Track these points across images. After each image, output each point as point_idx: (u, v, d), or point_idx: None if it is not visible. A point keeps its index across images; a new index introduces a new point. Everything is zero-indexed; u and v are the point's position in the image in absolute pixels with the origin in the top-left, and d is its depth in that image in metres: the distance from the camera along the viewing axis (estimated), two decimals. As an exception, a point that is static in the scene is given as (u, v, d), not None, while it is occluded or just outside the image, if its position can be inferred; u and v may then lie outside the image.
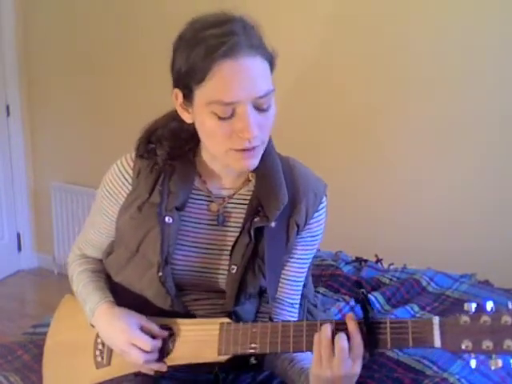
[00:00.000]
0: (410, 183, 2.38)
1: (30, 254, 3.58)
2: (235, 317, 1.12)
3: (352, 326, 0.96)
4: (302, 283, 1.22)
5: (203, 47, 0.98)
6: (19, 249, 3.53)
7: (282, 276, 1.18)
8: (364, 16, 2.34)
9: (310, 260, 1.21)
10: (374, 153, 2.43)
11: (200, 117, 1.03)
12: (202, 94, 1.00)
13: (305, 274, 1.21)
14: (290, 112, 2.53)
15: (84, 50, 3.11)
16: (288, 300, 1.19)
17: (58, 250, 3.38)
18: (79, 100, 3.20)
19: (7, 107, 3.31)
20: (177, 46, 1.04)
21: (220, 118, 0.99)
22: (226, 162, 1.06)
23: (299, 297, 1.22)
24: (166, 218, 1.09)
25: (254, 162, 1.05)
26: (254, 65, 0.99)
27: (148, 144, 1.13)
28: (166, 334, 1.11)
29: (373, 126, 2.41)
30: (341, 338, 0.95)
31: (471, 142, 2.23)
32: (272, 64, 1.04)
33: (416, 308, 1.70)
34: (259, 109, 1.00)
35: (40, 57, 3.29)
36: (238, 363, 1.12)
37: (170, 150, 1.12)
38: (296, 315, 1.21)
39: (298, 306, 1.21)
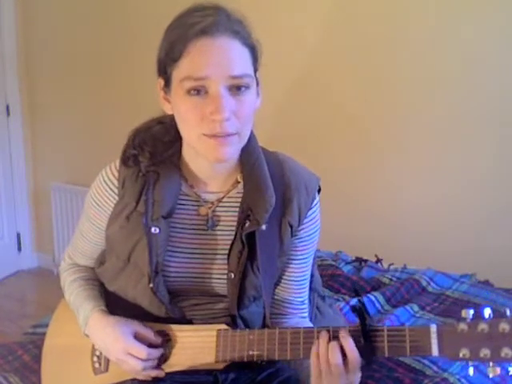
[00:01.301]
0: (410, 183, 2.38)
1: (30, 254, 3.58)
2: (241, 320, 1.11)
3: (346, 344, 0.94)
4: (309, 279, 1.21)
5: (182, 28, 0.98)
6: (19, 249, 3.54)
7: (288, 278, 1.17)
8: (362, 17, 2.34)
9: (312, 256, 1.20)
10: (374, 153, 2.43)
11: (175, 100, 1.01)
12: (176, 73, 0.98)
13: (310, 271, 1.21)
14: (290, 113, 2.54)
15: (84, 50, 3.11)
16: (298, 299, 1.19)
17: (58, 250, 3.38)
18: (79, 100, 3.20)
19: (7, 107, 3.32)
20: (163, 36, 1.03)
21: (191, 95, 0.97)
22: (200, 151, 1.02)
23: (307, 292, 1.21)
24: (153, 229, 1.06)
25: (227, 151, 1.00)
26: (231, 46, 0.96)
27: (131, 150, 1.11)
28: (159, 340, 1.10)
29: (373, 126, 2.41)
30: (335, 355, 0.93)
31: (471, 142, 2.23)
32: (255, 55, 1.02)
33: (416, 308, 1.70)
34: (234, 92, 0.97)
35: (40, 57, 3.29)
36: (242, 363, 1.10)
37: (151, 155, 1.09)
38: (307, 310, 1.21)
39: (307, 301, 1.21)
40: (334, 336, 0.96)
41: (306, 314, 1.21)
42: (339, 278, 1.89)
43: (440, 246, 2.30)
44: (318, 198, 1.15)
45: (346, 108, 2.46)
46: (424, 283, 1.87)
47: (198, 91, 0.97)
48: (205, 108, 0.96)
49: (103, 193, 1.14)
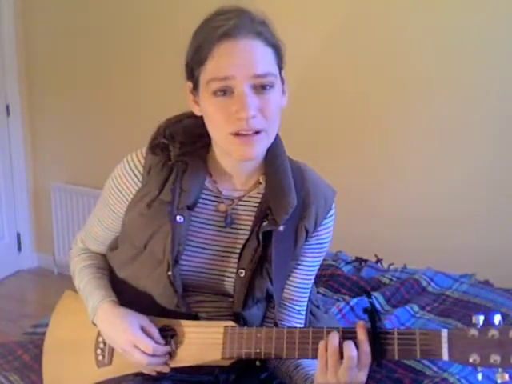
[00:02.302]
0: (410, 183, 2.38)
1: (30, 254, 3.58)
2: (242, 321, 1.11)
3: (361, 335, 0.95)
4: (309, 290, 1.21)
5: (207, 31, 1.01)
6: (19, 249, 3.53)
7: (290, 283, 1.17)
8: (364, 18, 2.34)
9: (317, 267, 1.20)
10: (375, 153, 2.43)
11: (203, 102, 1.04)
12: (203, 75, 1.02)
13: (311, 283, 1.21)
14: (288, 112, 2.53)
15: (84, 50, 3.11)
16: (295, 307, 1.18)
17: (58, 250, 3.38)
18: (79, 100, 3.20)
19: (7, 107, 3.32)
20: (190, 40, 1.06)
21: (218, 96, 1.00)
22: (227, 149, 1.05)
23: (306, 303, 1.21)
24: (178, 217, 1.07)
25: (254, 150, 1.03)
26: (254, 46, 0.99)
27: (161, 139, 1.12)
28: (163, 342, 1.10)
29: (374, 126, 2.41)
30: (350, 346, 0.94)
31: (471, 142, 2.23)
32: (279, 54, 1.04)
33: (416, 308, 1.70)
34: (258, 91, 1.00)
35: (40, 57, 3.28)
36: (242, 365, 1.11)
37: (182, 145, 1.11)
38: (303, 322, 1.20)
39: (304, 312, 1.20)
40: (345, 337, 0.96)
41: (301, 326, 1.19)
42: (339, 278, 1.89)
43: (440, 245, 2.30)
44: (334, 210, 1.16)
45: (344, 107, 2.46)
46: (424, 283, 1.87)
47: (224, 92, 0.99)
48: (231, 107, 0.99)
49: (126, 179, 1.14)
